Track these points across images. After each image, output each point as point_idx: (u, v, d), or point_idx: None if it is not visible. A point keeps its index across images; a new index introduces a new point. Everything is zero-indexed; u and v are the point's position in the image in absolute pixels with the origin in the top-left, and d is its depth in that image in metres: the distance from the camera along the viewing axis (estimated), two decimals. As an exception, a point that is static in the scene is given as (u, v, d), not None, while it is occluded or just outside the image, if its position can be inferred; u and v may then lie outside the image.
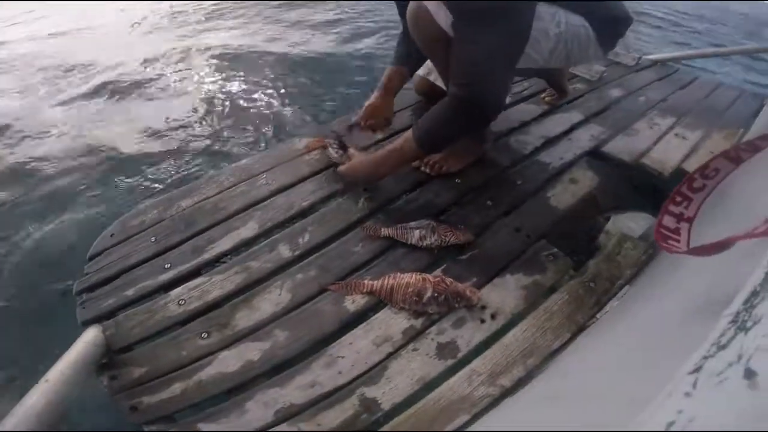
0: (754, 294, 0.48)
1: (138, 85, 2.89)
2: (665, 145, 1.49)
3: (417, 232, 1.10)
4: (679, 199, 0.86)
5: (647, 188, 1.36)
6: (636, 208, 1.19)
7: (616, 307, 0.95)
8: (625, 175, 1.40)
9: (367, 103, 1.43)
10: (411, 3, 1.14)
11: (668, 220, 0.84)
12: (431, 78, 1.58)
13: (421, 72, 1.61)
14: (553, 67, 1.43)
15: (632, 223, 1.12)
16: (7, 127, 2.41)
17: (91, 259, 1.09)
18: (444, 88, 1.49)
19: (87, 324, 0.96)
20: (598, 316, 0.95)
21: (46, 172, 2.02)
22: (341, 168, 1.27)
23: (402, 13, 1.43)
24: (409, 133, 1.16)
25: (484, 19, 1.00)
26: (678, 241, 0.79)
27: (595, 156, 1.43)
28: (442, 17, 1.08)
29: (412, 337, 0.93)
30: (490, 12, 0.99)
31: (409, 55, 1.44)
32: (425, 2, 1.11)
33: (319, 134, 1.45)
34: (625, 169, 1.40)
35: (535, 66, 1.18)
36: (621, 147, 1.46)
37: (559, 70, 1.60)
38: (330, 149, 1.35)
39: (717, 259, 0.61)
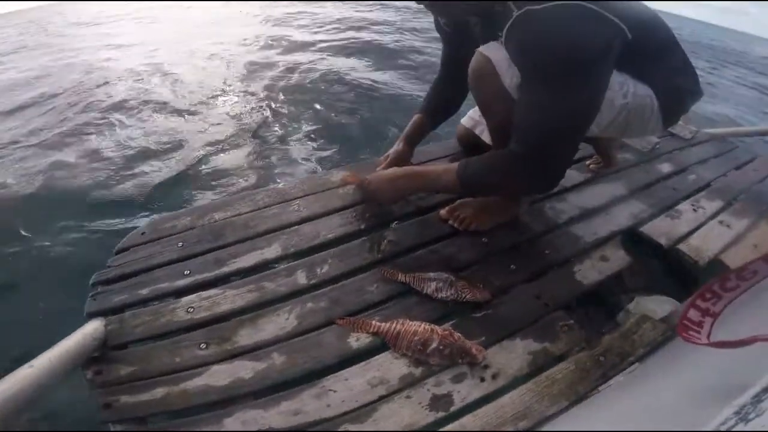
0: (765, 390, 0.46)
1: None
2: (706, 232, 1.41)
3: (434, 284, 1.09)
4: (708, 296, 0.82)
5: (679, 274, 1.29)
6: (663, 292, 1.13)
7: (621, 382, 0.90)
8: (657, 259, 1.34)
9: (386, 155, 1.48)
10: (476, 55, 1.10)
11: (693, 314, 0.81)
12: (476, 131, 1.56)
13: (466, 123, 1.61)
14: (606, 137, 1.39)
15: (656, 306, 1.06)
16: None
17: (117, 253, 1.14)
18: (489, 143, 1.49)
19: (92, 316, 0.99)
20: (600, 388, 0.89)
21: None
22: (367, 178, 1.27)
23: (447, 60, 1.43)
24: (452, 166, 1.15)
25: (555, 81, 0.95)
26: (699, 333, 0.75)
27: (631, 236, 1.37)
28: (508, 76, 1.05)
29: (409, 384, 0.90)
30: (567, 79, 0.94)
31: (436, 108, 1.46)
32: (492, 56, 1.07)
33: (358, 169, 1.48)
34: (659, 254, 1.34)
35: (588, 134, 1.12)
36: (660, 229, 1.39)
37: (609, 137, 1.53)
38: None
39: (735, 352, 0.58)
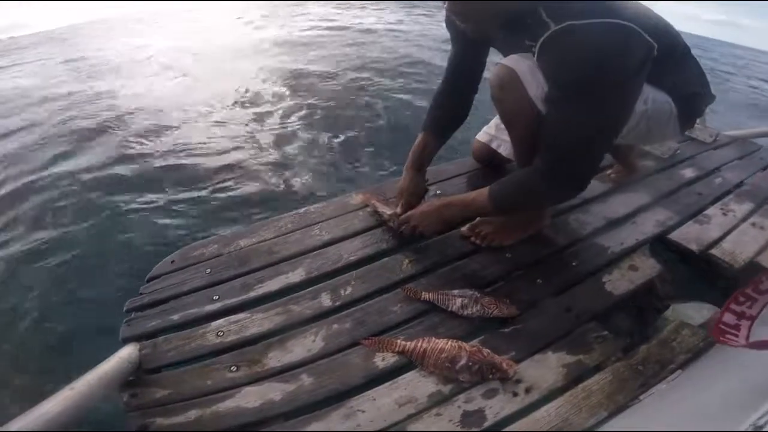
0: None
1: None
2: (739, 236, 1.36)
3: (459, 300, 1.08)
4: (742, 299, 0.81)
5: (714, 279, 1.25)
6: (699, 298, 1.10)
7: (663, 390, 0.86)
8: (690, 265, 1.30)
9: (398, 186, 1.39)
10: (499, 67, 1.10)
11: (729, 318, 0.79)
12: (493, 145, 1.55)
13: (482, 138, 1.59)
14: (626, 145, 1.38)
15: (693, 312, 1.03)
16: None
17: (148, 281, 1.17)
18: (507, 157, 1.48)
19: (127, 341, 1.02)
20: (641, 397, 0.86)
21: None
22: (406, 215, 1.26)
23: (456, 65, 1.35)
24: (483, 191, 1.16)
25: (593, 99, 0.94)
26: (736, 336, 0.73)
27: (660, 243, 1.34)
28: (534, 87, 1.04)
29: (438, 401, 0.89)
30: (601, 92, 0.93)
31: (444, 121, 1.40)
32: (515, 67, 1.05)
33: (376, 191, 1.50)
34: (691, 260, 1.30)
35: None
36: (689, 235, 1.36)
37: (629, 146, 1.53)
38: (382, 209, 1.37)
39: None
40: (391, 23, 6.91)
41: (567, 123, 0.99)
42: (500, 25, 1.05)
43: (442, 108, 1.39)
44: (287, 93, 3.67)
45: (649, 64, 0.96)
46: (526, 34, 1.00)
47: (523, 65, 1.05)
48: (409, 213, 1.26)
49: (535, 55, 1.00)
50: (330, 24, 6.54)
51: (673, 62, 1.10)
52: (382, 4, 8.30)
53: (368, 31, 6.25)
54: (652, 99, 1.10)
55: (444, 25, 1.31)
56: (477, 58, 1.33)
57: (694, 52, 1.17)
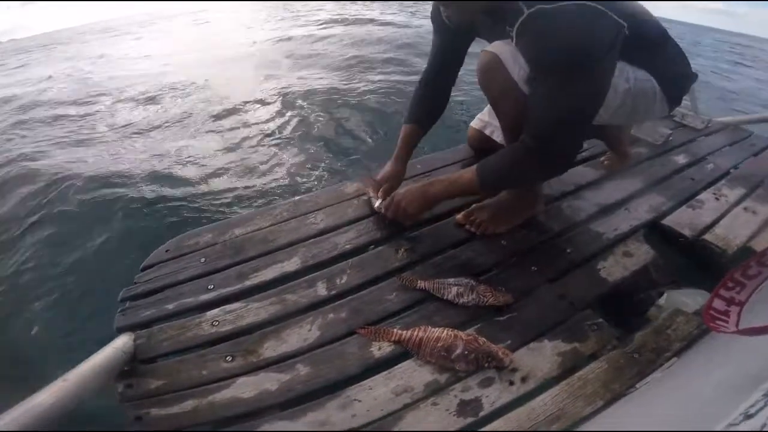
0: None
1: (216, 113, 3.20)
2: (732, 220, 1.37)
3: (455, 289, 1.08)
4: (731, 284, 0.81)
5: (708, 265, 1.26)
6: (693, 284, 1.10)
7: (658, 378, 0.87)
8: (684, 251, 1.30)
9: (380, 173, 1.41)
10: (482, 54, 1.13)
11: (718, 303, 0.79)
12: (486, 131, 1.57)
13: (476, 125, 1.62)
14: (614, 124, 1.39)
15: (688, 299, 1.03)
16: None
17: (143, 270, 1.16)
18: (500, 142, 1.46)
19: (121, 331, 1.01)
20: (637, 385, 0.87)
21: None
22: (391, 195, 1.26)
23: (439, 51, 1.37)
24: (470, 168, 1.18)
25: (567, 76, 0.99)
26: (726, 322, 0.74)
27: (653, 229, 1.34)
28: (517, 70, 1.08)
29: (435, 390, 0.89)
30: (574, 69, 0.98)
31: (427, 111, 1.43)
32: (497, 51, 1.10)
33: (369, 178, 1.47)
34: (684, 245, 1.31)
35: (598, 122, 1.15)
36: (682, 220, 1.36)
37: (620, 132, 1.54)
38: (372, 197, 1.37)
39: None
40: (386, 17, 6.85)
41: (547, 100, 1.04)
42: (483, 11, 1.10)
43: (423, 99, 1.43)
44: (281, 93, 3.64)
45: (620, 42, 1.00)
46: (506, 20, 1.04)
47: (505, 50, 1.09)
48: (394, 192, 1.27)
49: (513, 41, 1.05)
50: (324, 24, 6.48)
51: (650, 44, 1.15)
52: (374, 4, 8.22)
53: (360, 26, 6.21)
54: (633, 77, 1.14)
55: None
56: (458, 50, 1.36)
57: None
